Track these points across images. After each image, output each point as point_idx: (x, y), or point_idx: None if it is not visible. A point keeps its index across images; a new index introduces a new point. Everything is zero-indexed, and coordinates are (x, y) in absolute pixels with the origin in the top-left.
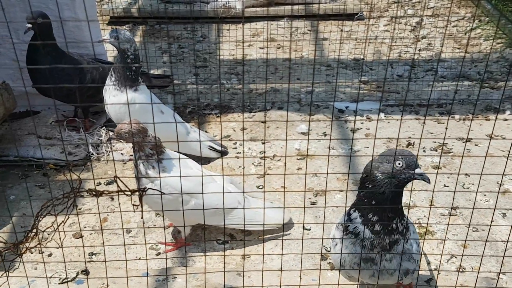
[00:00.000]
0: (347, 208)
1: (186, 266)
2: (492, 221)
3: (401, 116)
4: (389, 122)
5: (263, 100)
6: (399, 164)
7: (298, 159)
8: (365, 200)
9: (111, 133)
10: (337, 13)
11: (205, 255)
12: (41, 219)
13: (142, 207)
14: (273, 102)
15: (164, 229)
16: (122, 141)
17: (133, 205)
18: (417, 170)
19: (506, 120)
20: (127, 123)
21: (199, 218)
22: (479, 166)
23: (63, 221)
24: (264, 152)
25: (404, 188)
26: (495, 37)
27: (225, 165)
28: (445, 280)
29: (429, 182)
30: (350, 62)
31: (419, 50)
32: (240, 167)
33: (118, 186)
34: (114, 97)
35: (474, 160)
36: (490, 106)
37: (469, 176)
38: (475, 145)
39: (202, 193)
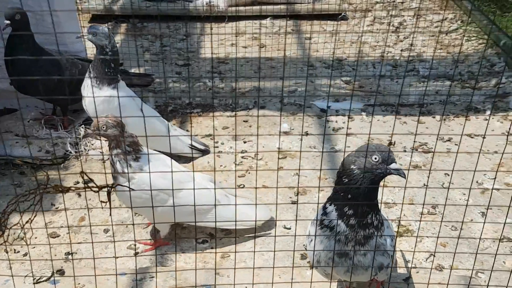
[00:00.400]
0: (323, 203)
1: (166, 265)
2: (464, 218)
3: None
4: (370, 122)
5: (245, 98)
6: (375, 158)
7: (280, 158)
8: (341, 194)
9: (88, 130)
10: (320, 13)
11: (196, 253)
12: (7, 216)
13: (110, 203)
14: (255, 101)
15: (143, 228)
16: (99, 137)
17: (101, 201)
18: (393, 165)
19: (486, 120)
20: (105, 117)
21: (178, 217)
22: (459, 165)
23: (30, 219)
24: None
25: (381, 184)
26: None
27: (206, 164)
28: (423, 279)
29: (405, 177)
30: (332, 62)
31: (401, 50)
32: (221, 166)
33: (84, 182)
34: (92, 94)
35: (453, 159)
36: (471, 106)
37: (448, 175)
38: (455, 144)
39: (171, 190)
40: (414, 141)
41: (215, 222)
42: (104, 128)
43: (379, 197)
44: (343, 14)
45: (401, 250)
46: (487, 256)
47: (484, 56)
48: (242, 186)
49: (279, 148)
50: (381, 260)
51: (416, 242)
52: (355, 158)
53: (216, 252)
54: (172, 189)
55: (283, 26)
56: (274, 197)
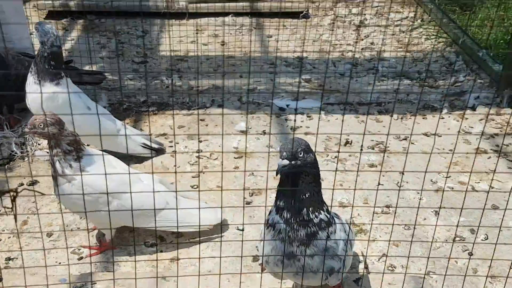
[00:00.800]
0: None
1: (111, 271)
2: (417, 217)
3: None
4: (329, 120)
5: (202, 97)
6: (280, 153)
7: (236, 158)
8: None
9: (25, 129)
10: (282, 11)
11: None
12: None
13: (15, 210)
14: (213, 100)
15: (88, 232)
16: (37, 136)
17: (4, 207)
18: (279, 161)
19: (442, 118)
20: (42, 114)
21: (123, 220)
22: (415, 164)
23: None
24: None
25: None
26: (437, 36)
27: (159, 164)
28: (374, 280)
29: (276, 175)
30: (293, 60)
31: (362, 49)
32: (174, 166)
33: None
34: (34, 90)
35: (409, 158)
36: (428, 105)
37: (403, 174)
38: (412, 143)
39: (115, 192)
40: (372, 140)
41: (155, 227)
42: (42, 126)
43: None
44: (304, 12)
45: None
46: (440, 254)
47: (443, 54)
48: (195, 186)
49: (236, 148)
50: (331, 264)
51: (368, 242)
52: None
53: (162, 259)
54: (104, 191)
55: (245, 24)
56: (228, 198)
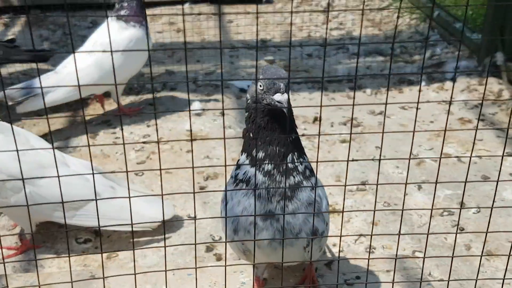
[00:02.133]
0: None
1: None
2: (398, 193)
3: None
4: (295, 99)
5: (154, 82)
6: (260, 86)
7: (188, 141)
8: (246, 134)
9: None
10: None
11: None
12: None
13: None
14: (165, 83)
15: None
16: None
17: None
18: (276, 96)
19: (421, 91)
20: None
21: (39, 213)
22: (392, 138)
23: None
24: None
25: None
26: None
27: (98, 152)
28: (350, 262)
29: (286, 112)
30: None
31: (330, 29)
32: (117, 153)
33: None
34: None
35: (386, 133)
36: (404, 79)
37: (379, 148)
38: (387, 117)
39: (28, 177)
40: (343, 116)
41: (83, 223)
42: None
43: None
44: None
45: None
46: (425, 231)
47: (417, 30)
48: (141, 174)
49: (190, 131)
50: (315, 224)
51: (342, 221)
52: (249, 85)
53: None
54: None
55: (204, 11)
56: (179, 185)
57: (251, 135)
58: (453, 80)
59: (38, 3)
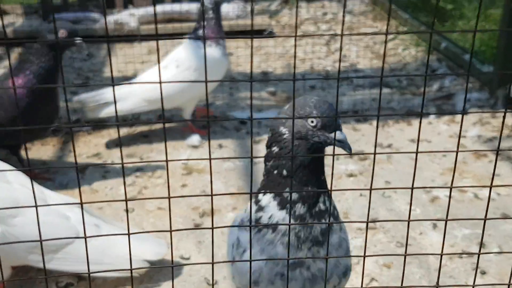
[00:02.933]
0: (252, 201)
1: None
2: (412, 232)
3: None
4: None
5: (148, 112)
6: (312, 122)
7: (184, 174)
8: (275, 173)
9: None
10: (244, 30)
11: None
12: None
13: None
14: (160, 115)
15: None
16: None
17: None
18: (337, 134)
19: (430, 123)
20: None
21: (12, 255)
22: (401, 173)
23: None
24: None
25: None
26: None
27: (86, 187)
28: None
29: (350, 152)
30: (257, 75)
31: (333, 61)
32: (106, 188)
33: None
34: None
35: (396, 166)
36: (412, 111)
37: (389, 182)
38: (396, 150)
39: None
40: None
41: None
42: None
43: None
44: (269, 30)
45: None
46: (445, 276)
47: (424, 62)
48: (131, 210)
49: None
50: (346, 262)
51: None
52: (287, 119)
53: None
54: None
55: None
56: (173, 222)
57: (283, 173)
58: (463, 112)
59: (35, 35)
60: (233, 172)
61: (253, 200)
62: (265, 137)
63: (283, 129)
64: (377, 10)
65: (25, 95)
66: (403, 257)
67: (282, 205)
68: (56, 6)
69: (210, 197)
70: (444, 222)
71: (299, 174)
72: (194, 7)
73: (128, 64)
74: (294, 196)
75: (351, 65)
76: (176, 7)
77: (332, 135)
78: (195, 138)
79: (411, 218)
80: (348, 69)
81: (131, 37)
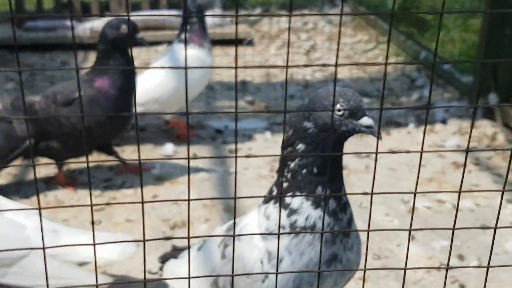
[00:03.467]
0: (269, 206)
1: None
2: (389, 243)
3: None
4: (276, 141)
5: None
6: (339, 111)
7: (155, 185)
8: (303, 172)
9: None
10: (223, 39)
11: None
12: None
13: None
14: (133, 124)
15: None
16: None
17: None
18: (364, 120)
19: (409, 133)
20: None
21: None
22: (379, 183)
23: None
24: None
25: None
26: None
27: (52, 197)
28: None
29: (381, 138)
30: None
31: (313, 71)
32: (73, 199)
33: None
34: None
35: (373, 175)
36: (392, 121)
37: (367, 193)
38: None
39: None
40: None
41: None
42: None
43: None
44: (248, 39)
45: None
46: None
47: (404, 72)
48: (98, 222)
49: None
50: (360, 248)
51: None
52: (309, 112)
53: None
54: None
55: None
56: (141, 234)
57: (314, 171)
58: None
59: (7, 43)
60: (207, 182)
61: (264, 207)
62: (242, 147)
63: (308, 124)
64: (357, 20)
65: (115, 95)
66: (380, 270)
67: (316, 204)
68: (30, 13)
69: (182, 209)
70: (422, 234)
71: (331, 169)
72: (172, 14)
73: None
74: (328, 191)
75: (331, 75)
76: (153, 14)
77: (360, 121)
78: (168, 147)
79: (387, 228)
80: (328, 78)
81: None
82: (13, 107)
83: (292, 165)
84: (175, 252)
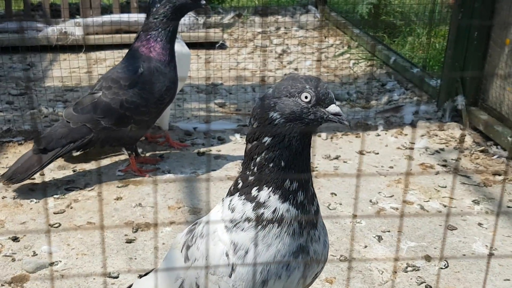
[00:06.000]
0: (235, 199)
1: None
2: (356, 245)
3: None
4: (245, 143)
5: None
6: (306, 97)
7: (119, 187)
8: (270, 166)
9: None
10: (196, 42)
11: None
12: None
13: None
14: None
15: None
16: None
17: None
18: (331, 108)
19: (378, 135)
20: None
21: None
22: (348, 184)
23: None
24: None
25: None
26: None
27: (10, 200)
28: None
29: (349, 125)
30: (206, 87)
31: (285, 74)
32: (32, 201)
33: None
34: None
35: (342, 178)
36: (361, 123)
37: (336, 195)
38: (344, 162)
39: None
40: None
41: None
42: None
43: None
44: (221, 42)
45: None
46: None
47: (374, 76)
48: (56, 225)
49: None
50: (327, 239)
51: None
52: (274, 100)
53: None
54: None
55: None
56: (102, 236)
57: (282, 164)
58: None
59: None
60: (173, 184)
61: (229, 199)
62: (211, 149)
63: (274, 114)
64: (329, 25)
65: (168, 59)
66: (346, 272)
67: (284, 197)
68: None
69: (146, 211)
70: (389, 235)
71: (297, 161)
72: (143, 17)
73: (73, 75)
74: (295, 185)
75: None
76: (124, 17)
77: (328, 109)
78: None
79: (356, 231)
80: None
81: (75, 47)
82: (76, 110)
83: (258, 159)
84: (140, 277)
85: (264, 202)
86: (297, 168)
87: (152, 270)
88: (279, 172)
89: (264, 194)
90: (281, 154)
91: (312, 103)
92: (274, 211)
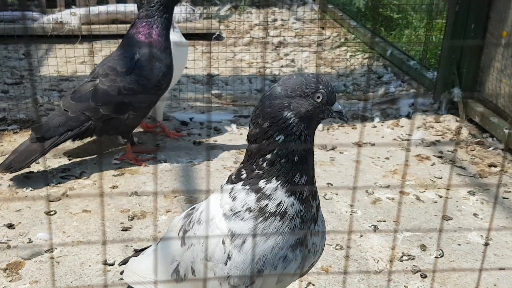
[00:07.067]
0: (237, 187)
1: None
2: (352, 234)
3: None
4: (241, 134)
5: None
6: (319, 97)
7: (115, 176)
8: (282, 161)
9: None
10: (193, 33)
11: None
12: None
13: None
14: None
15: None
16: None
17: None
18: (336, 106)
19: (375, 127)
20: None
21: None
22: (344, 174)
23: None
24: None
25: None
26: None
27: (5, 188)
28: None
29: (347, 121)
30: (203, 78)
31: (281, 66)
32: (27, 189)
33: None
34: None
35: (339, 168)
36: (357, 115)
37: (332, 185)
38: (340, 153)
39: None
40: None
41: None
42: None
43: None
44: (217, 33)
45: None
46: (384, 280)
47: (371, 68)
48: (52, 213)
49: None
50: (325, 231)
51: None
52: (288, 100)
53: None
54: None
55: None
56: (98, 225)
57: (295, 159)
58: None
59: None
60: (169, 173)
61: (230, 187)
62: (208, 139)
63: (288, 113)
64: (326, 17)
65: (165, 44)
66: (342, 260)
67: (291, 191)
68: None
69: (141, 199)
70: (385, 225)
71: (309, 157)
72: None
73: (68, 64)
74: (304, 179)
75: (299, 70)
76: (120, 7)
77: (332, 107)
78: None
79: (352, 220)
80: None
81: (71, 37)
82: (73, 98)
83: (269, 156)
84: (136, 254)
85: (270, 195)
86: (308, 163)
87: (148, 247)
88: (292, 166)
89: (272, 186)
90: (295, 150)
91: (323, 102)
92: (278, 204)
